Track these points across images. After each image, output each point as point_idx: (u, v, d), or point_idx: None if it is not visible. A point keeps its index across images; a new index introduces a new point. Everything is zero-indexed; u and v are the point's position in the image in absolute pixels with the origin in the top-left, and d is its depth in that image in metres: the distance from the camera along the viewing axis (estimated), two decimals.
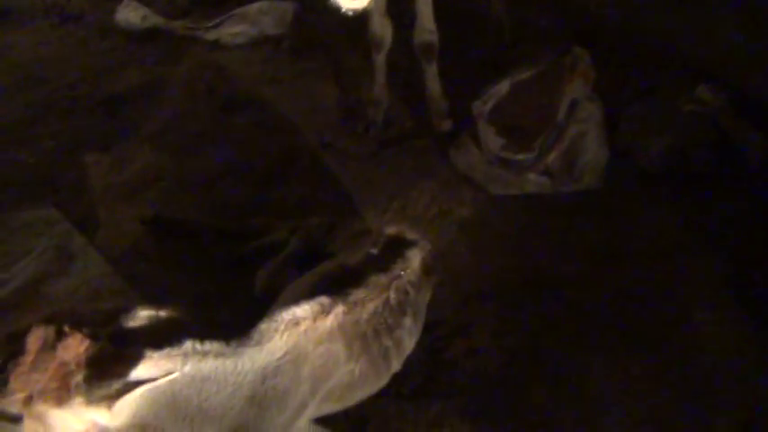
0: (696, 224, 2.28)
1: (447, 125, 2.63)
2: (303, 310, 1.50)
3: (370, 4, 1.78)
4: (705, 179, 2.45)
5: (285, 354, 1.46)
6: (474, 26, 3.32)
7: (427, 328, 1.79)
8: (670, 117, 2.57)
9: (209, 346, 1.41)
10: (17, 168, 2.45)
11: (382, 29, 2.49)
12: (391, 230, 2.04)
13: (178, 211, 2.27)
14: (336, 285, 1.59)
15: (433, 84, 2.61)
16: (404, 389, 1.72)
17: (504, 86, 2.51)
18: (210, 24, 3.24)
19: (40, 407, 1.29)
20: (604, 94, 2.51)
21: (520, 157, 2.32)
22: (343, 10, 1.75)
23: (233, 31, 3.22)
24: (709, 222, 2.28)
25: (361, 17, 2.49)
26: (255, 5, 3.34)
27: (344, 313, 1.53)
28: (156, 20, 3.29)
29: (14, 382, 1.30)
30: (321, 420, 1.59)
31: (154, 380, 1.33)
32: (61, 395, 1.29)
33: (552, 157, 2.32)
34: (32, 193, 2.31)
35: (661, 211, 2.34)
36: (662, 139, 2.50)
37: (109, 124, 2.66)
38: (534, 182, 2.36)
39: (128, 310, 1.47)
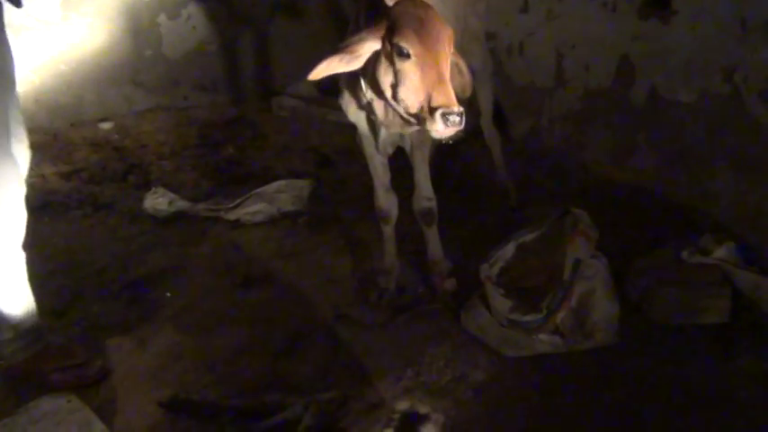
0: (717, 379, 2.25)
1: (450, 284, 2.71)
2: None
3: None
4: (721, 330, 2.45)
5: None
6: (481, 190, 3.49)
7: None
8: (678, 269, 2.61)
9: None
10: None
11: (387, 202, 2.64)
12: (403, 405, 2.07)
13: (196, 392, 2.30)
14: None
15: (434, 246, 2.71)
16: None
17: (509, 249, 2.59)
18: (231, 205, 3.44)
19: None
20: (610, 249, 2.56)
21: (528, 318, 2.34)
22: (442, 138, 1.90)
23: (252, 210, 3.41)
24: (731, 376, 2.25)
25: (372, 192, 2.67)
26: (274, 185, 3.56)
27: None
28: (181, 204, 3.50)
29: None
30: None
31: None
32: None
33: (561, 317, 2.34)
34: None
35: (678, 366, 2.31)
36: (672, 291, 2.53)
37: (133, 307, 2.76)
38: (546, 342, 2.36)
39: None
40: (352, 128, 2.57)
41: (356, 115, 2.40)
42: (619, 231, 2.87)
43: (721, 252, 2.59)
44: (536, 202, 3.36)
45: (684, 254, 2.63)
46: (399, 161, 2.63)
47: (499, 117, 3.28)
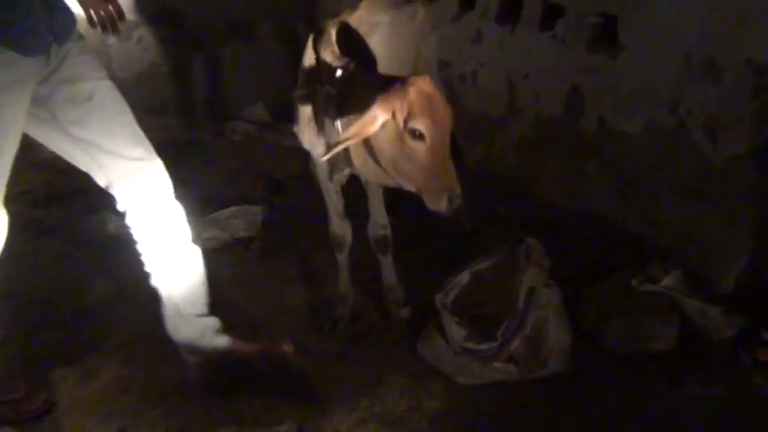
0: (666, 405, 2.29)
1: (405, 312, 2.71)
2: None
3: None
4: (669, 357, 2.50)
5: None
6: (434, 218, 3.50)
7: None
8: (627, 297, 2.67)
9: None
10: None
11: (341, 230, 2.63)
12: None
13: (145, 426, 2.24)
14: None
15: (389, 274, 2.71)
16: None
17: (464, 277, 2.60)
18: None
19: None
20: (561, 278, 2.60)
21: (483, 346, 2.35)
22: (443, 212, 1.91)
23: (205, 236, 3.34)
24: (680, 403, 2.30)
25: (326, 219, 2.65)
26: (227, 211, 3.51)
27: None
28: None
29: None
30: None
31: None
32: None
33: (516, 345, 2.36)
34: None
35: (629, 392, 2.35)
36: (622, 319, 2.58)
37: (79, 337, 2.67)
38: (501, 370, 2.38)
39: None
40: (306, 153, 2.56)
41: (312, 144, 2.39)
42: (569, 260, 2.91)
43: (669, 280, 2.66)
44: (489, 229, 3.38)
45: (633, 282, 2.70)
46: (353, 188, 2.62)
47: (452, 145, 3.30)
